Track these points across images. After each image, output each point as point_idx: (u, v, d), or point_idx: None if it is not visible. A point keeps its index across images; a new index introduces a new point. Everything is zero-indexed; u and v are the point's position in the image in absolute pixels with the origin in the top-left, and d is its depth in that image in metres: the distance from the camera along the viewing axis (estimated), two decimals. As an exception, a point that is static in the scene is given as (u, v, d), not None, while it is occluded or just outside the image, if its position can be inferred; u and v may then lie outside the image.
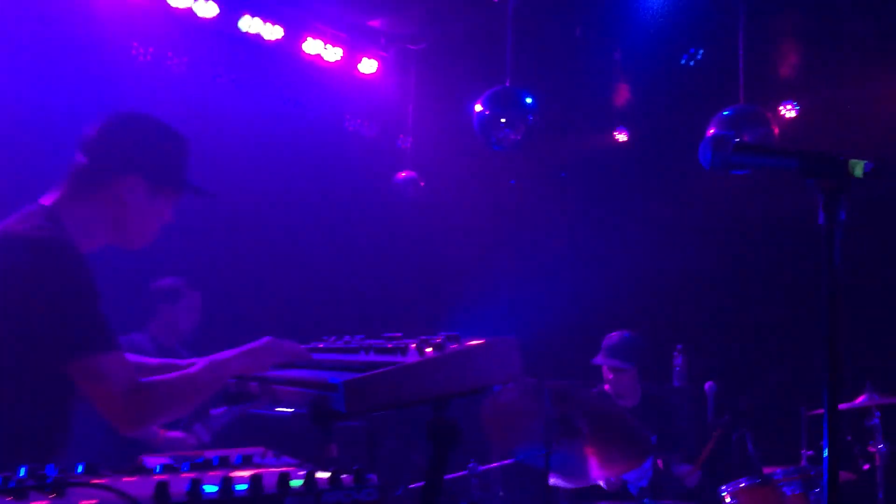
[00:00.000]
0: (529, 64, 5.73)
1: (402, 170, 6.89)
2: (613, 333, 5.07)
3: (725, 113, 4.99)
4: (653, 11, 5.29)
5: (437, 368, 2.04)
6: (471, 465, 3.95)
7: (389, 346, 2.38)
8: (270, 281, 6.37)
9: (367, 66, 6.64)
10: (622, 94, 7.46)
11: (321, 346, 2.91)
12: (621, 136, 7.77)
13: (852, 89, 6.73)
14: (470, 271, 7.16)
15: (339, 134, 6.85)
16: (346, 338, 2.94)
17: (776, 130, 5.03)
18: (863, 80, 6.59)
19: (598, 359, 4.98)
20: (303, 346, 2.99)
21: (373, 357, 2.33)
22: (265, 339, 2.48)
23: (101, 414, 2.14)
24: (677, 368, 5.67)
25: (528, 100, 5.17)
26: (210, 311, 4.98)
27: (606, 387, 5.12)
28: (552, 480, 4.74)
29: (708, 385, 5.02)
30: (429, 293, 7.15)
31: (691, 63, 5.78)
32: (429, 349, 2.16)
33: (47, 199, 2.31)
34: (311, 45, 6.27)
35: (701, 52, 5.65)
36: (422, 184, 6.93)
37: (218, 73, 5.92)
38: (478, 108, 5.18)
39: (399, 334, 2.68)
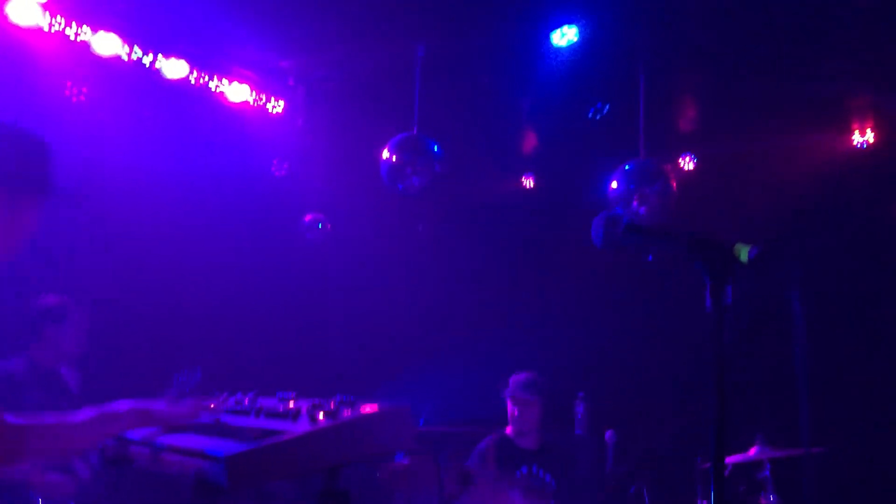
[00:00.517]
0: (436, 108, 5.77)
1: (309, 211, 6.81)
2: (521, 373, 5.18)
3: (627, 167, 5.11)
4: (561, 65, 5.39)
5: (329, 438, 1.97)
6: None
7: (280, 409, 2.29)
8: (167, 322, 6.15)
9: (275, 105, 6.56)
10: (529, 142, 7.58)
11: (212, 405, 2.79)
12: (528, 182, 7.90)
13: (745, 144, 7.02)
14: (375, 316, 7.09)
15: (245, 174, 6.71)
16: (238, 396, 2.83)
17: (674, 185, 5.17)
18: (754, 137, 6.88)
19: (506, 392, 5.07)
20: (183, 410, 2.86)
21: (262, 423, 2.23)
22: (125, 406, 2.33)
23: None
24: (579, 416, 5.72)
25: (435, 148, 5.18)
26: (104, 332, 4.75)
27: (508, 429, 5.14)
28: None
29: (608, 434, 5.08)
30: (332, 338, 7.03)
31: (598, 116, 5.92)
32: (321, 415, 2.08)
33: None
34: (220, 85, 6.13)
35: (607, 106, 5.79)
36: (328, 226, 6.86)
37: (124, 111, 5.72)
38: (385, 154, 5.16)
39: (292, 394, 2.60)
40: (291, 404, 2.42)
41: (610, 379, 6.65)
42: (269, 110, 6.49)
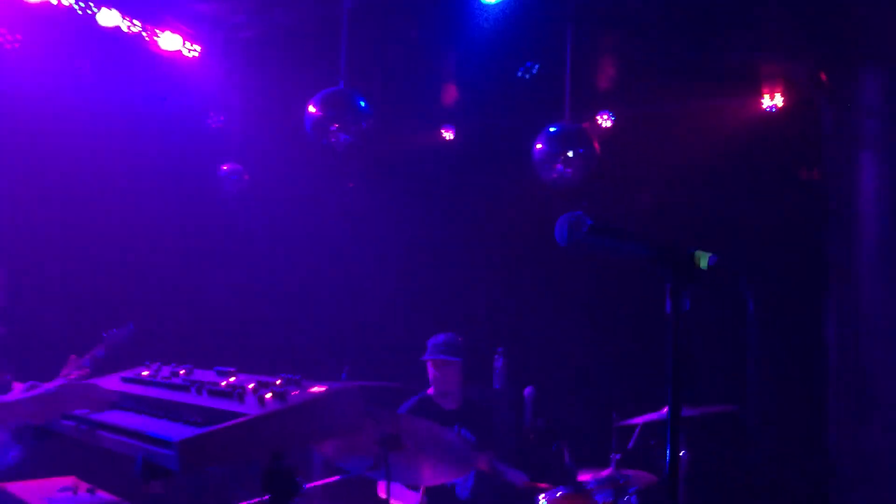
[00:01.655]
0: (363, 62, 5.67)
1: (225, 162, 6.64)
2: (438, 334, 5.22)
3: (552, 129, 5.16)
4: (489, 22, 5.36)
5: (279, 421, 1.97)
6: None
7: (223, 388, 2.26)
8: (79, 270, 5.96)
9: (189, 50, 6.31)
10: (453, 97, 7.55)
11: (145, 374, 2.73)
12: (448, 135, 7.89)
13: (661, 106, 7.19)
14: (291, 270, 7.01)
15: (158, 121, 6.47)
16: (173, 367, 2.79)
17: (597, 147, 5.26)
18: (670, 99, 7.05)
19: (426, 355, 5.09)
20: (118, 376, 2.80)
21: (206, 401, 2.21)
22: (58, 385, 2.28)
23: None
24: (497, 370, 5.86)
25: (363, 104, 5.10)
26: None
27: (430, 390, 5.22)
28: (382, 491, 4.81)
29: (527, 390, 5.22)
30: (248, 290, 6.92)
31: (527, 76, 5.93)
32: (268, 396, 2.08)
33: None
34: (107, 17, 5.86)
35: (537, 66, 5.81)
36: (246, 177, 6.71)
37: (47, 54, 5.44)
38: (310, 108, 5.05)
39: (231, 369, 2.57)
40: (233, 380, 2.41)
41: (529, 335, 6.80)
42: (186, 55, 6.27)
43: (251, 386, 2.21)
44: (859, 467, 5.37)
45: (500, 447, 5.49)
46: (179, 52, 6.25)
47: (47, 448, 2.70)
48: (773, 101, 7.08)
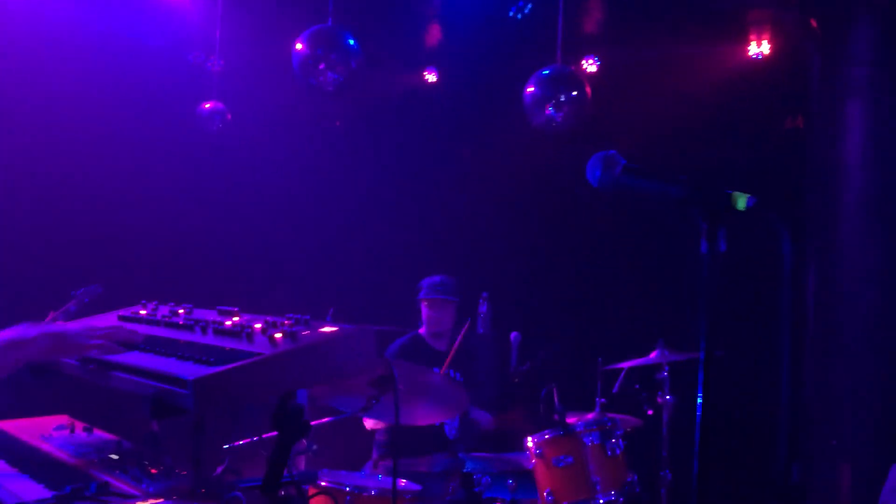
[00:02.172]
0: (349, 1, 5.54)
1: (207, 101, 6.48)
2: (434, 276, 5.24)
3: (545, 72, 5.10)
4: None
5: (292, 361, 1.94)
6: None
7: (230, 327, 2.23)
8: (50, 212, 5.84)
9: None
10: (433, 35, 7.43)
11: (143, 313, 2.69)
12: (431, 77, 7.78)
13: (648, 51, 7.13)
14: (274, 211, 6.94)
15: (138, 56, 6.30)
16: (171, 305, 2.74)
17: (589, 92, 5.21)
18: (659, 43, 6.99)
19: (423, 294, 5.12)
20: (116, 315, 2.75)
21: (213, 340, 2.18)
22: (76, 326, 2.24)
23: None
24: (482, 316, 5.88)
25: (352, 42, 4.98)
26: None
27: (422, 330, 5.25)
28: (369, 423, 4.86)
29: (513, 335, 5.25)
30: (230, 231, 6.84)
31: (519, 16, 5.84)
32: (278, 336, 2.05)
33: None
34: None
35: (529, 5, 5.71)
36: (228, 116, 6.56)
37: None
38: (298, 46, 4.92)
39: (235, 309, 2.54)
40: (237, 319, 2.37)
41: (514, 280, 6.82)
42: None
43: (258, 326, 2.18)
44: (826, 406, 5.51)
45: (485, 389, 5.57)
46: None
47: (35, 386, 2.67)
48: (759, 48, 7.06)
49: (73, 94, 5.77)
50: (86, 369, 2.20)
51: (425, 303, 5.16)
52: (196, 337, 2.23)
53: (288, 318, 2.19)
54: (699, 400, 1.50)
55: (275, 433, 3.98)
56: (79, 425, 2.78)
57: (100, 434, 2.70)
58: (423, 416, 4.23)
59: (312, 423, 4.09)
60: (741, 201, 1.45)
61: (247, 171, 6.87)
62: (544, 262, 6.94)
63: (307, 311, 2.53)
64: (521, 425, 4.57)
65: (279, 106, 6.77)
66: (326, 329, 2.08)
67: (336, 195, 7.18)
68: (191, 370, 1.84)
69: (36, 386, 2.56)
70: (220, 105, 6.50)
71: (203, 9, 6.25)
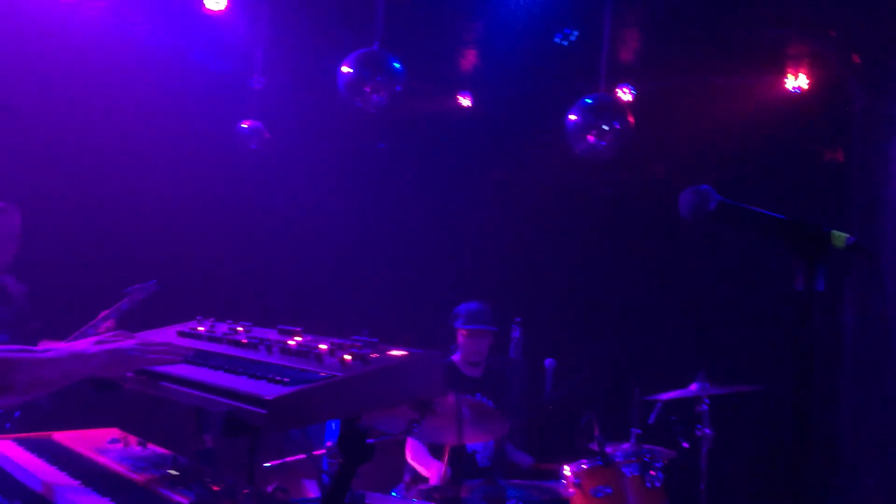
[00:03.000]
0: (390, 24, 5.58)
1: (247, 119, 6.54)
2: (471, 302, 5.19)
3: (588, 101, 5.11)
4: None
5: (363, 385, 1.94)
6: (329, 444, 3.87)
7: (295, 347, 2.23)
8: (90, 225, 5.91)
9: (216, 2, 6.19)
10: (469, 60, 7.47)
11: (201, 329, 2.70)
12: (465, 101, 7.81)
13: (685, 80, 7.13)
14: (307, 231, 6.97)
15: (180, 74, 6.37)
16: (229, 323, 2.75)
17: (632, 121, 5.22)
18: (695, 73, 7.00)
19: (462, 323, 5.06)
20: (174, 330, 2.77)
21: (279, 359, 2.18)
22: (132, 343, 2.25)
23: None
24: (514, 341, 5.86)
25: (397, 66, 5.03)
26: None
27: (455, 357, 5.23)
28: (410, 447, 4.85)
29: (548, 361, 5.22)
30: (266, 248, 6.88)
31: (565, 43, 5.87)
32: (348, 357, 2.05)
33: None
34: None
35: (576, 33, 5.74)
36: (266, 135, 6.62)
37: None
38: (345, 68, 4.97)
39: (298, 328, 2.54)
40: (300, 339, 2.37)
41: (548, 306, 6.80)
42: (213, 7, 6.14)
43: (324, 347, 2.18)
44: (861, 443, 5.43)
45: (517, 417, 5.52)
46: (203, 2, 6.14)
47: (95, 400, 2.68)
48: (797, 80, 7.04)
49: (124, 107, 5.85)
50: (151, 385, 2.21)
51: (464, 332, 5.09)
52: (261, 356, 2.23)
53: (355, 340, 2.19)
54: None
55: (302, 455, 3.98)
56: (132, 439, 2.79)
57: (154, 448, 2.71)
58: (456, 440, 4.22)
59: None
60: (840, 240, 1.44)
61: (282, 189, 6.92)
62: (580, 289, 6.91)
63: (340, 329, 2.54)
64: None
65: (317, 126, 6.82)
66: (395, 352, 2.08)
67: (369, 216, 7.21)
68: (267, 389, 1.84)
69: (96, 400, 2.58)
70: (258, 123, 6.57)
71: (247, 28, 6.32)
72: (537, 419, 5.59)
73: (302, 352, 2.16)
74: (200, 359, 2.27)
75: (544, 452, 5.32)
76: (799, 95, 6.93)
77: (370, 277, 7.03)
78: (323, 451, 3.84)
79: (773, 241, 1.46)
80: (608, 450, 4.24)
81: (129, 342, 2.22)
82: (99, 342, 2.25)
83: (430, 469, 4.73)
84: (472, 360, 5.12)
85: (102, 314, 4.40)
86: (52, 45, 5.51)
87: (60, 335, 4.40)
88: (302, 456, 3.80)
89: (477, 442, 4.79)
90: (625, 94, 7.49)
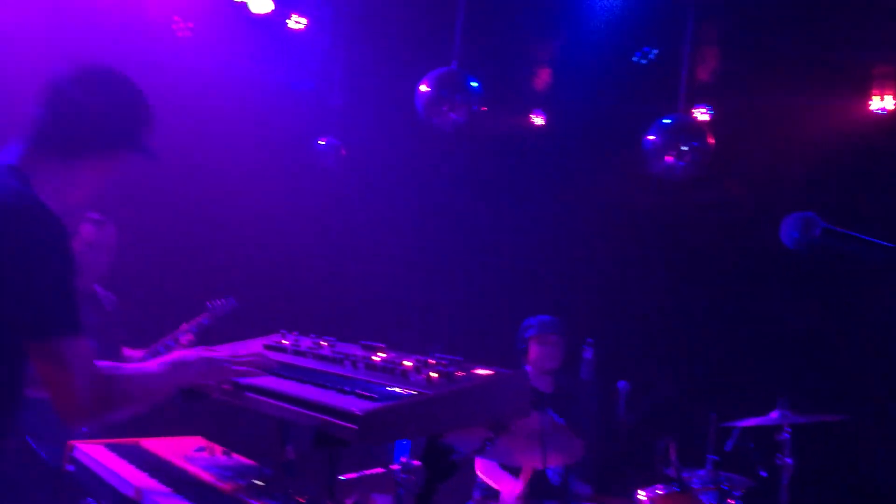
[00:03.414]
0: (468, 43, 5.63)
1: (324, 136, 6.67)
2: (540, 315, 5.19)
3: (666, 121, 5.06)
4: (611, 7, 5.30)
5: (449, 402, 1.95)
6: (404, 459, 3.89)
7: (380, 363, 2.26)
8: (174, 238, 6.09)
9: (297, 21, 6.35)
10: (543, 79, 7.47)
11: (286, 343, 2.75)
12: (538, 120, 7.81)
13: (765, 100, 7.01)
14: (383, 247, 7.05)
15: (259, 92, 6.53)
16: (312, 337, 2.80)
17: (711, 141, 5.15)
18: (776, 93, 6.87)
19: (534, 332, 5.07)
20: (261, 343, 2.83)
21: (366, 375, 2.21)
22: (226, 353, 2.32)
23: (53, 401, 1.96)
24: (585, 362, 5.80)
25: (475, 84, 5.07)
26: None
27: (528, 367, 5.22)
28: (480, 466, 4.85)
29: (621, 384, 5.16)
30: (343, 269, 6.98)
31: (643, 61, 5.84)
32: (434, 375, 2.07)
33: (11, 157, 2.10)
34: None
35: (654, 51, 5.71)
36: (343, 152, 6.74)
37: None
38: (423, 87, 5.03)
39: (381, 345, 2.57)
40: (384, 355, 2.40)
41: (622, 327, 6.72)
42: (292, 26, 6.29)
43: (408, 363, 2.21)
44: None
45: (585, 436, 5.46)
46: (284, 22, 6.30)
47: (184, 409, 2.74)
48: (882, 102, 6.85)
49: (207, 124, 6.02)
50: (239, 396, 2.26)
51: (536, 340, 5.10)
52: (347, 371, 2.27)
53: (440, 358, 2.21)
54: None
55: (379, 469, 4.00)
56: (216, 448, 2.85)
57: (238, 458, 2.76)
58: (529, 460, 4.20)
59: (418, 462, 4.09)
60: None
61: (358, 206, 7.02)
62: (655, 310, 6.81)
63: (415, 344, 2.55)
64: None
65: (393, 143, 6.91)
66: (481, 371, 2.09)
67: (443, 233, 7.25)
68: (356, 404, 1.87)
69: (183, 409, 2.65)
70: (335, 140, 6.69)
71: (327, 47, 6.46)
72: (609, 442, 5.51)
73: (387, 368, 2.18)
74: (287, 372, 2.31)
75: (615, 477, 5.25)
76: (884, 117, 6.75)
77: (443, 294, 7.06)
78: (398, 465, 3.86)
79: (878, 267, 1.42)
80: (684, 476, 4.16)
81: (223, 352, 2.29)
82: (198, 351, 2.33)
83: (502, 485, 4.72)
84: (545, 368, 5.10)
85: (183, 327, 4.52)
86: (141, 69, 5.71)
87: (142, 345, 4.55)
88: (378, 470, 3.81)
89: (551, 464, 4.74)
90: (702, 114, 7.42)
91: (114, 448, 2.76)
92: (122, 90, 2.24)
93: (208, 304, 4.59)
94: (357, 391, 1.98)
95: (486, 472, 4.86)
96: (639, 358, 6.43)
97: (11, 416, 2.04)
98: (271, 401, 2.15)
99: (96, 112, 2.16)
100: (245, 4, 5.77)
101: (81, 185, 2.19)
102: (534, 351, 5.11)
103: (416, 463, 3.99)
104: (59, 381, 1.91)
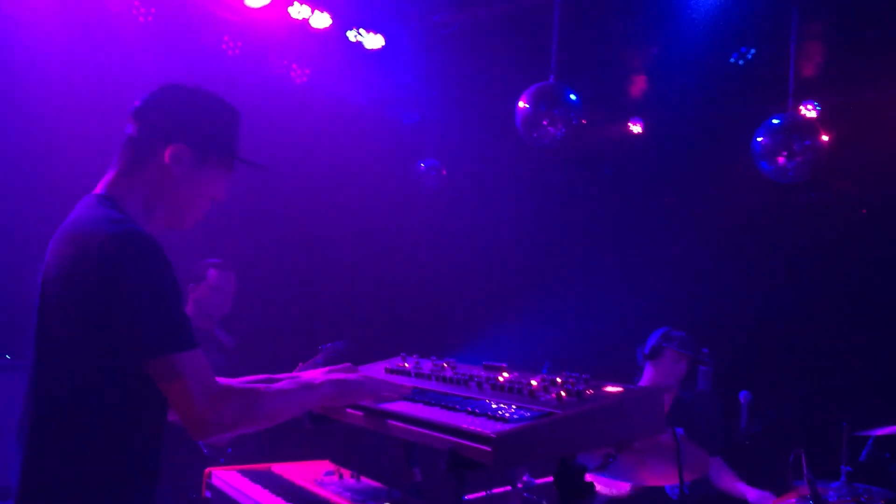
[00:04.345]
0: (563, 56, 5.61)
1: (423, 158, 6.76)
2: (666, 328, 5.04)
3: (775, 122, 4.90)
4: (705, 9, 5.18)
5: (581, 421, 1.92)
6: (525, 478, 3.87)
7: (506, 383, 2.25)
8: (278, 270, 6.25)
9: (374, 41, 6.44)
10: (639, 86, 7.36)
11: (407, 366, 2.77)
12: (636, 128, 7.70)
13: (875, 93, 6.72)
14: (489, 264, 7.05)
15: (359, 118, 6.67)
16: (433, 359, 2.81)
17: (824, 139, 4.96)
18: (879, 88, 6.59)
19: (675, 346, 4.93)
20: (382, 366, 2.86)
21: (493, 396, 2.20)
22: (361, 377, 2.35)
23: (179, 415, 2.01)
24: (702, 372, 5.64)
25: (573, 97, 5.03)
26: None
27: (644, 382, 5.10)
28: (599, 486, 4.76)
29: (743, 394, 4.99)
30: (450, 289, 7.02)
31: (741, 62, 5.69)
32: (563, 394, 2.05)
33: (102, 187, 2.20)
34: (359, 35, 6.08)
35: (753, 51, 5.55)
36: (444, 172, 6.80)
37: (264, 54, 5.78)
38: (521, 103, 5.03)
39: (503, 364, 2.57)
40: (507, 375, 2.39)
41: (740, 335, 6.52)
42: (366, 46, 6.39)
43: (534, 383, 2.19)
44: None
45: (710, 451, 5.29)
46: (379, 48, 6.41)
47: (314, 433, 2.79)
48: None
49: (300, 155, 6.17)
50: (367, 419, 2.28)
51: (674, 356, 4.94)
52: (473, 392, 2.26)
53: (567, 376, 2.19)
54: None
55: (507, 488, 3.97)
56: (345, 472, 2.90)
57: (366, 481, 2.80)
58: (650, 477, 4.09)
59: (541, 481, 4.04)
60: None
61: (463, 224, 7.06)
62: (776, 317, 6.58)
63: (524, 360, 2.52)
64: None
65: (493, 160, 6.93)
66: (611, 389, 2.05)
67: (549, 246, 7.21)
68: (488, 426, 1.86)
69: (315, 433, 2.70)
70: (435, 161, 6.77)
71: (420, 70, 6.54)
72: (732, 455, 5.33)
73: (514, 388, 2.17)
74: (414, 395, 2.33)
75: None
76: None
77: (550, 307, 7.00)
78: (520, 484, 3.84)
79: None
80: (819, 488, 3.98)
81: (353, 375, 2.32)
82: (326, 373, 2.37)
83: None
84: (670, 384, 4.96)
85: (300, 366, 4.65)
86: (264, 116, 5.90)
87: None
88: (504, 489, 3.80)
89: (675, 480, 4.61)
90: (809, 111, 7.16)
91: (247, 474, 2.84)
92: (211, 103, 2.29)
93: (321, 346, 4.72)
94: (487, 413, 1.98)
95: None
96: (761, 367, 6.21)
97: (159, 439, 2.10)
98: (401, 424, 2.16)
99: (185, 122, 2.22)
100: (360, 44, 5.98)
101: (175, 202, 2.23)
102: (666, 366, 4.95)
103: (538, 481, 3.97)
104: (180, 393, 1.96)
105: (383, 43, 6.19)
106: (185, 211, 2.26)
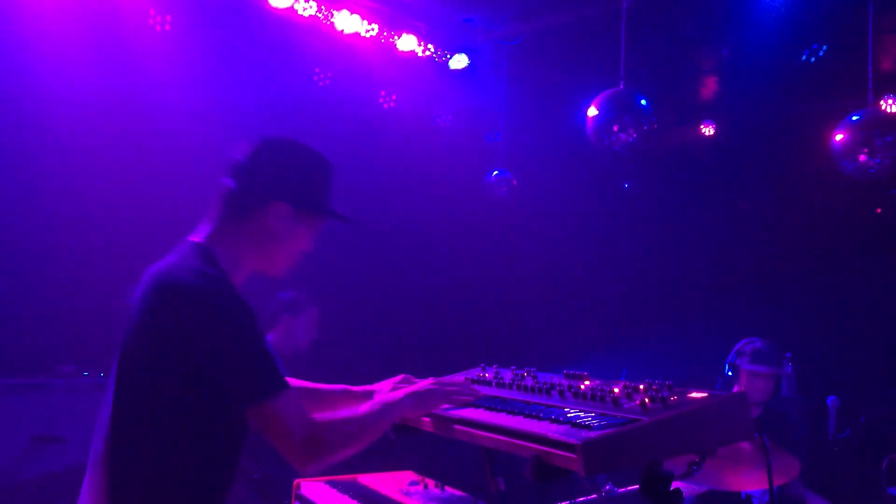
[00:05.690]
0: (631, 62, 5.57)
1: (493, 169, 6.78)
2: (755, 340, 4.88)
3: (854, 118, 4.77)
4: (773, 9, 5.09)
5: (666, 428, 1.92)
6: (608, 487, 3.85)
7: (588, 391, 2.26)
8: (353, 284, 6.34)
9: (458, 61, 6.53)
10: (710, 88, 7.26)
11: (488, 376, 2.80)
12: (708, 130, 7.59)
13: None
14: (562, 273, 7.04)
15: (428, 130, 6.75)
16: (513, 369, 2.83)
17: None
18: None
19: (745, 363, 4.77)
20: (462, 377, 2.89)
21: (576, 404, 2.20)
22: (429, 382, 2.41)
23: (280, 453, 2.09)
24: (786, 378, 5.51)
25: (644, 102, 5.00)
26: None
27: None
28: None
29: (830, 399, 4.86)
30: (523, 297, 7.03)
31: (812, 59, 5.56)
32: (647, 401, 2.04)
33: (199, 235, 2.28)
34: (404, 42, 6.20)
35: (825, 47, 5.43)
36: (514, 182, 6.81)
37: (311, 69, 5.93)
38: (592, 111, 5.01)
39: (584, 372, 2.57)
40: (588, 383, 2.40)
41: (826, 340, 6.35)
42: (453, 66, 6.49)
43: (617, 390, 2.19)
44: None
45: (798, 457, 5.16)
46: (445, 62, 6.50)
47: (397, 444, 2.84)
48: None
49: (380, 167, 6.27)
50: (450, 429, 2.32)
51: (748, 372, 4.77)
52: (555, 401, 2.27)
53: (650, 382, 2.18)
54: None
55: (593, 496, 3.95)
56: (429, 482, 2.94)
57: (451, 490, 2.83)
58: (735, 484, 4.02)
59: (624, 490, 4.01)
60: None
61: (535, 234, 7.06)
62: (864, 319, 6.38)
63: (594, 370, 2.51)
64: None
65: (561, 169, 6.92)
66: (696, 395, 2.04)
67: (622, 255, 7.15)
68: (573, 434, 1.87)
69: (398, 444, 2.75)
70: (506, 172, 6.78)
71: (488, 82, 6.59)
72: (820, 462, 5.20)
73: (597, 395, 2.18)
74: (496, 404, 2.35)
75: (833, 498, 4.93)
76: None
77: (626, 314, 6.95)
78: (603, 493, 3.82)
79: None
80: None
81: (423, 383, 2.37)
82: (394, 388, 2.43)
83: None
84: (757, 401, 4.81)
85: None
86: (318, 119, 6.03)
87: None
88: (590, 497, 3.79)
89: (764, 486, 4.50)
90: (889, 106, 6.95)
91: (335, 485, 2.90)
92: (311, 160, 2.36)
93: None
94: (571, 420, 1.99)
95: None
96: (850, 372, 6.03)
97: (230, 483, 2.19)
98: (485, 433, 2.19)
99: (287, 181, 2.29)
100: (446, 63, 6.14)
101: (270, 254, 2.32)
102: (745, 380, 4.81)
103: (620, 490, 3.94)
104: (281, 435, 2.06)
105: (468, 62, 6.33)
106: (278, 262, 2.35)
